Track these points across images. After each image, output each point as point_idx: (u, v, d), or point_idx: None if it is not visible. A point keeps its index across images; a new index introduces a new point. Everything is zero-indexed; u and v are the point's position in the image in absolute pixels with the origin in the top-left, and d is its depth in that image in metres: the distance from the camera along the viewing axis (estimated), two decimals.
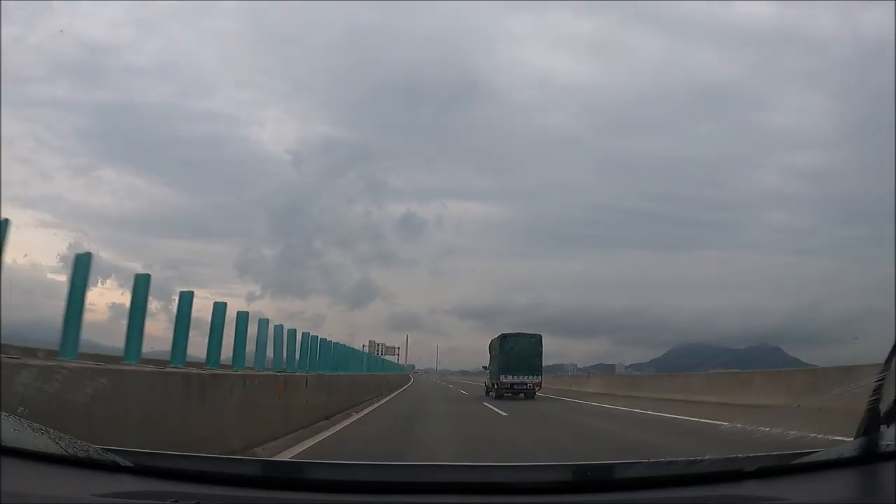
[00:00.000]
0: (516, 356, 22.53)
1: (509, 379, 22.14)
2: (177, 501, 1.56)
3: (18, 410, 1.66)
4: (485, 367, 26.60)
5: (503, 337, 23.65)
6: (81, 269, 4.99)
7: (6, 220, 4.32)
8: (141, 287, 5.73)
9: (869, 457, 1.79)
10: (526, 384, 22.12)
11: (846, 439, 1.90)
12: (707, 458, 1.88)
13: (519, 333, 23.97)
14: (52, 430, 1.73)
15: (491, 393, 23.77)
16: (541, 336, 23.76)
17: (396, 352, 70.30)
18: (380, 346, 62.70)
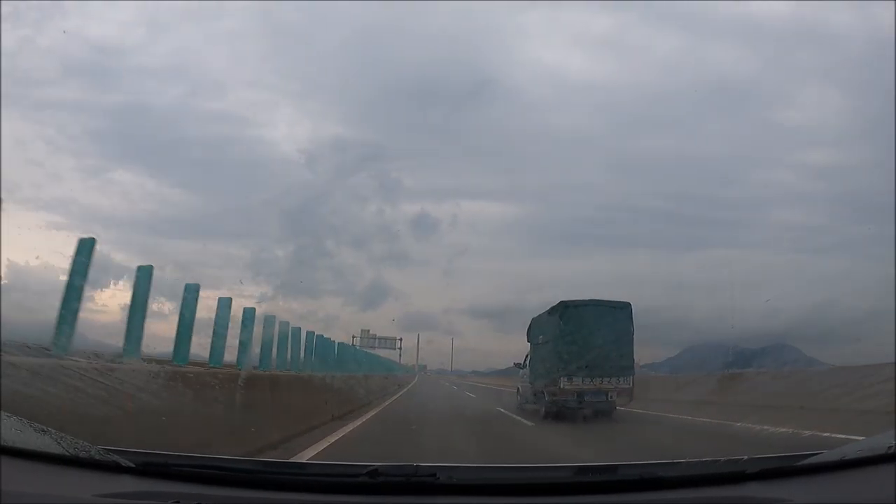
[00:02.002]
0: (591, 342, 12.49)
1: (576, 384, 12.18)
2: (178, 502, 1.56)
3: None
4: (518, 365, 16.54)
5: (565, 308, 12.96)
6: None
7: None
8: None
9: (872, 458, 1.78)
10: (607, 393, 12.21)
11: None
12: (710, 459, 1.88)
13: (592, 302, 13.22)
14: (53, 431, 1.73)
15: (534, 405, 13.70)
16: (630, 306, 13.09)
17: (398, 345, 53.23)
18: (375, 338, 49.70)
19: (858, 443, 1.83)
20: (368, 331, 49.44)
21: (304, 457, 5.84)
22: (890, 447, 1.75)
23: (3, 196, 4.43)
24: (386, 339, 51.80)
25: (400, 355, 51.14)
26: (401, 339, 53.34)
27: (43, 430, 1.76)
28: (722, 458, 1.89)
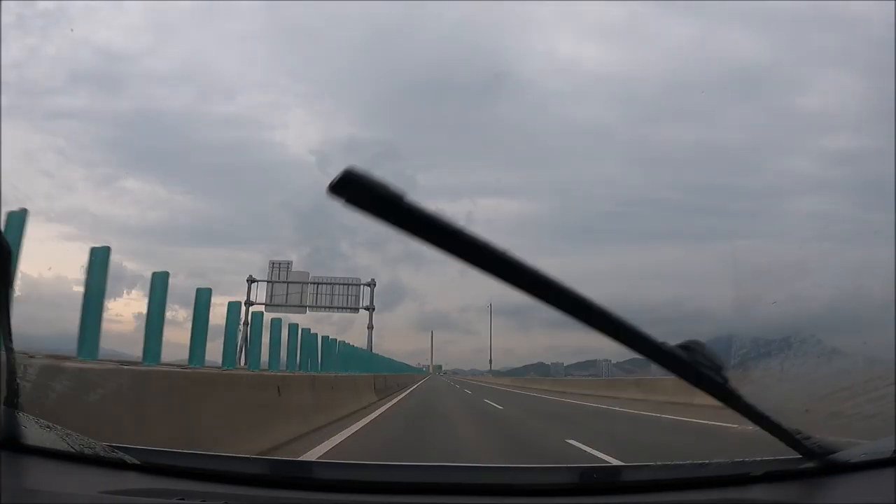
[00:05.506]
0: None
1: None
2: (183, 499, 1.56)
3: None
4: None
5: None
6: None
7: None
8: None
9: (874, 462, 1.78)
10: None
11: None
12: (714, 461, 1.88)
13: None
14: (58, 427, 1.73)
15: None
16: None
17: (364, 302, 24.58)
18: (315, 283, 23.76)
19: (861, 446, 1.83)
20: (290, 264, 23.91)
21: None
22: (893, 451, 1.75)
23: (13, 208, 4.55)
24: (338, 280, 23.82)
25: (370, 326, 24.49)
26: (372, 285, 25.05)
27: (48, 427, 1.76)
28: (727, 461, 1.89)
